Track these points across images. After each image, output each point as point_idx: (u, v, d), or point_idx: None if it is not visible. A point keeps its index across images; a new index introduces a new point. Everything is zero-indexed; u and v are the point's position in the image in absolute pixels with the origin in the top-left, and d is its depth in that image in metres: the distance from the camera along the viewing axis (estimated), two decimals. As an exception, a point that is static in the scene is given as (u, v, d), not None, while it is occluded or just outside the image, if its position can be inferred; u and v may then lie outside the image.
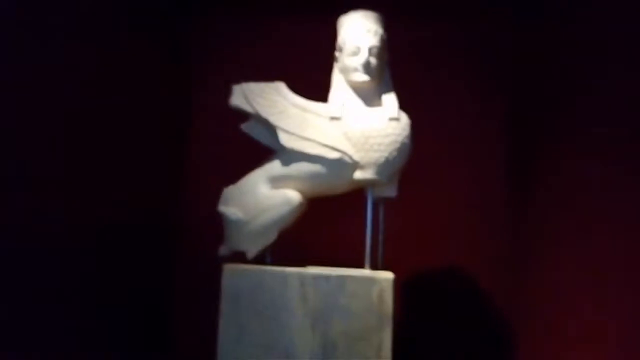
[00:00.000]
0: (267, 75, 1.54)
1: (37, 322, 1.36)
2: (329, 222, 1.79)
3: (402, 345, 1.89)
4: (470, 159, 2.04)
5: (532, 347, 1.81)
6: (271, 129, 1.46)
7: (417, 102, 1.51)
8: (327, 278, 1.36)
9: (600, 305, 1.37)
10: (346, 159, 1.41)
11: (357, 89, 1.47)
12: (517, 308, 1.93)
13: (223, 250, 1.49)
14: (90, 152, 1.57)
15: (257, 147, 1.49)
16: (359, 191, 1.48)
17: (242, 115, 1.50)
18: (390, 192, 1.46)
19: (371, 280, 1.35)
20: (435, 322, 2.00)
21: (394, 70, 1.55)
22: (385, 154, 1.40)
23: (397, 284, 1.40)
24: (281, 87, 1.50)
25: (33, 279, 1.35)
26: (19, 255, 1.31)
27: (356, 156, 1.41)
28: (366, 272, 1.41)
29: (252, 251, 1.44)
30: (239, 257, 1.46)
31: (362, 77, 1.44)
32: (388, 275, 1.37)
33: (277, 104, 1.47)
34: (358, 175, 1.42)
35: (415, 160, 1.50)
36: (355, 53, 1.44)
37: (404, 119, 1.45)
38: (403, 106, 1.49)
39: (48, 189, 1.39)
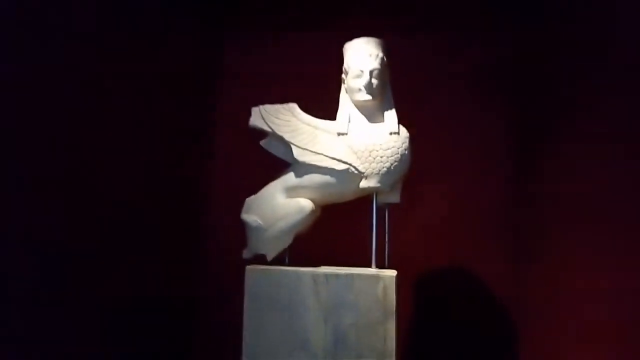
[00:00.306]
0: (283, 92, 1.68)
1: (52, 322, 1.40)
2: (340, 226, 1.86)
3: (410, 341, 2.00)
4: (472, 160, 2.09)
5: (535, 345, 1.85)
6: (286, 145, 1.60)
7: (418, 103, 1.55)
8: (337, 276, 1.49)
9: (600, 305, 1.40)
10: (352, 170, 1.55)
11: (361, 107, 1.60)
12: (520, 307, 1.98)
13: (246, 253, 1.62)
14: (108, 155, 1.61)
15: (274, 161, 1.63)
16: (366, 198, 1.60)
17: (261, 133, 1.64)
18: (394, 198, 1.59)
19: (376, 278, 1.48)
20: (441, 320, 2.07)
21: (396, 72, 1.64)
22: (387, 165, 1.53)
23: (406, 284, 1.49)
24: (294, 107, 1.64)
25: (47, 281, 1.39)
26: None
27: (361, 167, 1.54)
28: (372, 270, 1.52)
29: (271, 254, 1.58)
30: (260, 259, 1.59)
31: (365, 97, 1.57)
32: (391, 272, 1.49)
33: (290, 123, 1.61)
34: (363, 184, 1.55)
35: (419, 163, 1.59)
36: (359, 75, 1.56)
37: (404, 132, 1.57)
38: (405, 109, 1.59)
39: (48, 189, 1.38)
